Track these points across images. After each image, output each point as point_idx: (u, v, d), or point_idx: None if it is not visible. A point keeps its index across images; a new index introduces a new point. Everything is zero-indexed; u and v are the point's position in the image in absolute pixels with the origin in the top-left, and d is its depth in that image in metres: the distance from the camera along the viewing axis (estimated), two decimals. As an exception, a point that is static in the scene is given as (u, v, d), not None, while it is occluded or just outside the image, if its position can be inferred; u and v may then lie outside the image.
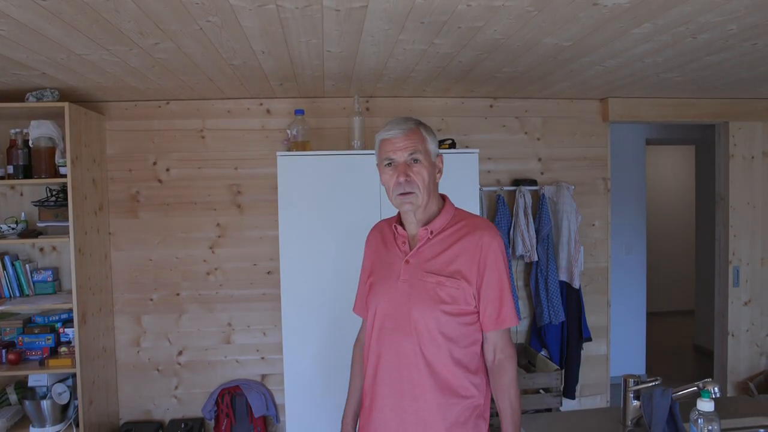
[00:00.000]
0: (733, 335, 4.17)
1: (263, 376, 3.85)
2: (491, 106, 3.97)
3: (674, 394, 1.83)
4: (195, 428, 3.59)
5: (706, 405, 1.60)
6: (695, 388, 1.78)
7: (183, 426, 3.61)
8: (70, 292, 3.32)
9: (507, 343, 1.76)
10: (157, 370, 3.81)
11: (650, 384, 1.94)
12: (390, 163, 1.75)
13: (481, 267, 1.71)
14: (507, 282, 1.74)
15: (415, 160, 1.73)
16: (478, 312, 1.73)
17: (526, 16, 2.22)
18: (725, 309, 4.19)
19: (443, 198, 1.87)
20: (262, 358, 3.85)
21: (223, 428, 3.61)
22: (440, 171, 1.83)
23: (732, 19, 2.23)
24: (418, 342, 1.70)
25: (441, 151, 3.40)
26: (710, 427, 1.59)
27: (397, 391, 1.73)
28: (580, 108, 4.04)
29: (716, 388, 1.67)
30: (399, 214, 1.86)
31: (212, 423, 3.72)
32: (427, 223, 1.78)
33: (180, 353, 3.82)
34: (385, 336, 1.76)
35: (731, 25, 2.30)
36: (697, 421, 1.61)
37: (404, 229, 1.82)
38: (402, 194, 1.73)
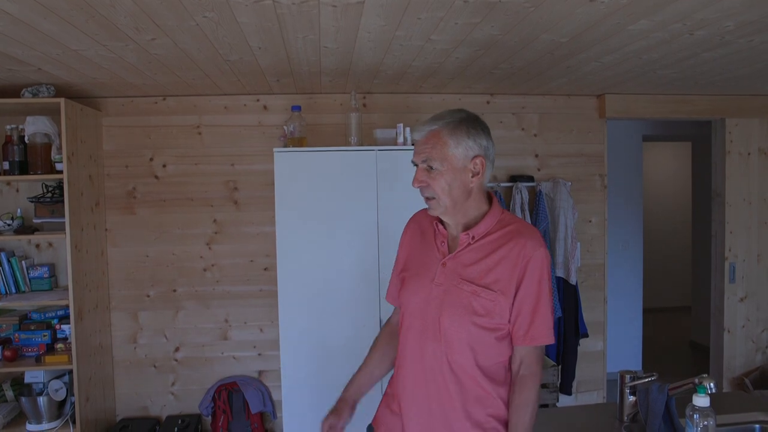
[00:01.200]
0: (729, 331, 4.18)
1: (260, 372, 3.85)
2: (488, 102, 3.97)
3: (670, 390, 1.84)
4: (192, 424, 3.59)
5: (701, 400, 1.61)
6: (691, 383, 1.78)
7: (180, 422, 3.61)
8: (66, 288, 3.32)
9: (534, 361, 1.65)
10: (154, 366, 3.81)
11: (646, 380, 1.94)
12: (416, 164, 1.67)
13: (520, 277, 1.59)
14: (547, 297, 1.62)
15: (430, 168, 1.62)
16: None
17: (523, 12, 2.22)
18: (721, 305, 4.20)
19: (490, 199, 1.73)
20: (259, 354, 3.85)
21: (220, 424, 3.61)
22: (477, 174, 1.64)
23: (728, 15, 2.23)
24: (444, 350, 1.63)
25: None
26: (706, 423, 1.59)
27: (422, 393, 1.67)
28: (577, 104, 4.04)
29: (712, 384, 1.67)
30: None
31: (209, 419, 3.72)
32: (468, 227, 1.67)
33: (177, 349, 3.82)
34: (412, 336, 1.70)
35: (728, 21, 2.30)
36: (693, 416, 1.61)
37: (445, 228, 1.73)
38: (426, 198, 1.67)
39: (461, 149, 1.62)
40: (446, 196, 1.62)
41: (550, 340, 1.64)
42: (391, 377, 1.84)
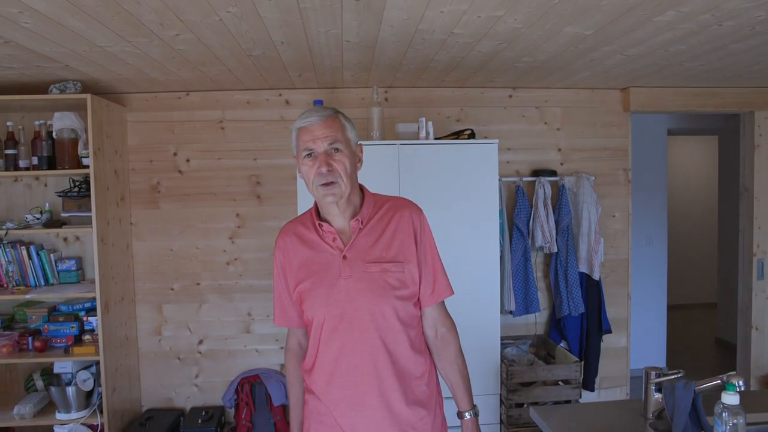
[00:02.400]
0: (756, 329, 4.11)
1: (282, 366, 3.88)
2: (510, 96, 3.94)
3: (697, 388, 1.81)
4: (215, 416, 3.63)
5: (731, 398, 1.58)
6: (718, 381, 1.75)
7: (203, 414, 3.65)
8: (93, 281, 3.38)
9: (446, 316, 1.80)
10: (178, 358, 3.86)
11: (672, 377, 1.92)
12: (310, 154, 1.65)
13: (416, 242, 1.71)
14: (437, 253, 1.78)
15: (336, 149, 1.64)
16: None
17: (547, 5, 2.19)
18: (749, 302, 4.13)
19: (361, 187, 1.79)
20: (281, 347, 3.88)
21: (243, 416, 3.65)
22: (360, 161, 1.75)
23: (760, 5, 2.18)
24: (378, 335, 1.66)
25: (460, 141, 3.39)
26: (735, 421, 1.57)
27: (360, 390, 1.67)
28: (601, 98, 3.99)
29: (741, 382, 1.64)
30: (312, 212, 1.78)
31: (232, 411, 3.77)
32: (354, 214, 1.72)
33: (200, 342, 3.87)
34: (341, 337, 1.67)
35: (759, 11, 2.25)
36: (722, 414, 1.59)
37: (330, 224, 1.72)
38: (324, 185, 1.64)
39: (353, 135, 1.72)
40: (347, 179, 1.65)
41: (452, 291, 1.78)
42: (311, 394, 1.76)
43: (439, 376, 1.84)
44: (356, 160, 1.72)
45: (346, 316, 1.66)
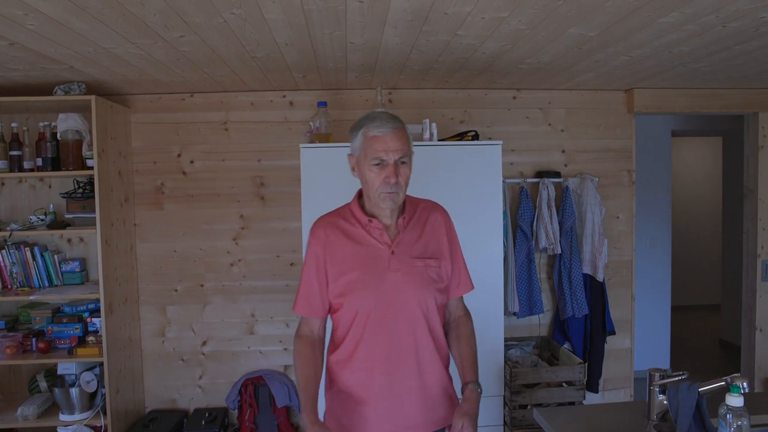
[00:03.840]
0: (761, 330, 4.10)
1: (286, 367, 3.89)
2: (514, 97, 3.94)
3: (701, 389, 1.81)
4: (219, 418, 3.64)
5: (735, 400, 1.58)
6: (723, 383, 1.75)
7: (207, 415, 3.66)
8: (97, 282, 3.39)
9: (463, 303, 2.03)
10: (182, 360, 3.87)
11: (676, 378, 1.91)
12: (379, 163, 1.76)
13: (447, 240, 1.91)
14: (462, 253, 1.99)
15: (403, 162, 1.78)
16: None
17: (551, 6, 2.19)
18: (753, 303, 4.12)
19: None
20: (285, 349, 3.88)
21: (246, 418, 3.65)
22: (410, 169, 1.87)
23: (764, 6, 2.17)
24: (425, 324, 1.82)
25: (464, 142, 3.40)
26: (740, 423, 1.56)
27: (402, 375, 1.81)
28: (605, 99, 3.99)
29: (745, 383, 1.64)
30: (353, 207, 1.89)
31: (236, 413, 3.77)
32: (398, 213, 1.86)
33: (204, 343, 3.87)
34: (387, 326, 1.79)
35: (763, 12, 2.25)
36: (726, 416, 1.58)
37: (379, 221, 1.84)
38: (389, 192, 1.77)
39: (412, 147, 1.86)
40: (406, 187, 1.83)
41: (473, 285, 2.02)
42: (343, 383, 1.85)
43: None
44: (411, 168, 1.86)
45: (393, 307, 1.79)
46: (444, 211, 1.97)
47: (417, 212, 1.90)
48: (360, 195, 1.92)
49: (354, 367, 1.83)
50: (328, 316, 1.92)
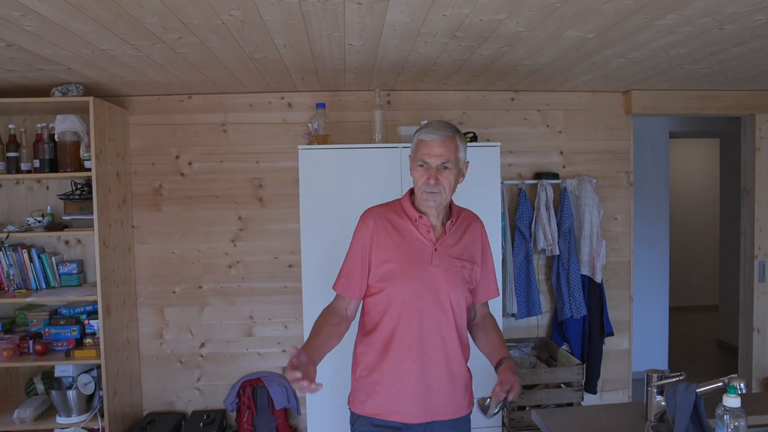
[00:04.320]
0: (758, 331, 4.11)
1: (284, 369, 3.86)
2: (512, 99, 3.94)
3: (698, 390, 1.81)
4: (217, 420, 3.63)
5: (732, 401, 1.58)
6: (720, 383, 1.75)
7: (205, 417, 3.65)
8: (94, 284, 3.38)
9: (487, 306, 2.22)
10: (180, 362, 3.86)
11: (674, 379, 1.92)
12: (423, 165, 1.93)
13: (481, 249, 2.09)
14: (493, 261, 2.17)
15: (446, 167, 1.92)
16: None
17: (549, 8, 2.20)
18: (750, 304, 4.13)
19: None
20: (284, 350, 3.88)
21: (244, 420, 3.64)
22: (463, 176, 2.02)
23: (760, 9, 2.18)
24: (453, 316, 1.96)
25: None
26: (737, 423, 1.57)
27: (433, 362, 1.95)
28: (603, 101, 3.99)
29: (742, 384, 1.64)
30: (404, 204, 2.03)
31: (234, 415, 3.77)
32: (445, 215, 2.03)
33: (202, 345, 3.87)
34: (421, 315, 1.93)
35: (759, 15, 2.26)
36: (723, 417, 1.59)
37: (428, 218, 1.99)
38: (429, 192, 1.92)
39: (463, 155, 1.99)
40: (449, 191, 1.95)
41: (499, 292, 2.24)
42: (374, 365, 2.01)
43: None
44: (459, 175, 1.99)
45: (429, 298, 1.93)
46: (482, 223, 2.13)
47: (460, 219, 2.06)
48: (411, 192, 2.05)
49: (388, 351, 1.96)
50: (361, 302, 2.08)
